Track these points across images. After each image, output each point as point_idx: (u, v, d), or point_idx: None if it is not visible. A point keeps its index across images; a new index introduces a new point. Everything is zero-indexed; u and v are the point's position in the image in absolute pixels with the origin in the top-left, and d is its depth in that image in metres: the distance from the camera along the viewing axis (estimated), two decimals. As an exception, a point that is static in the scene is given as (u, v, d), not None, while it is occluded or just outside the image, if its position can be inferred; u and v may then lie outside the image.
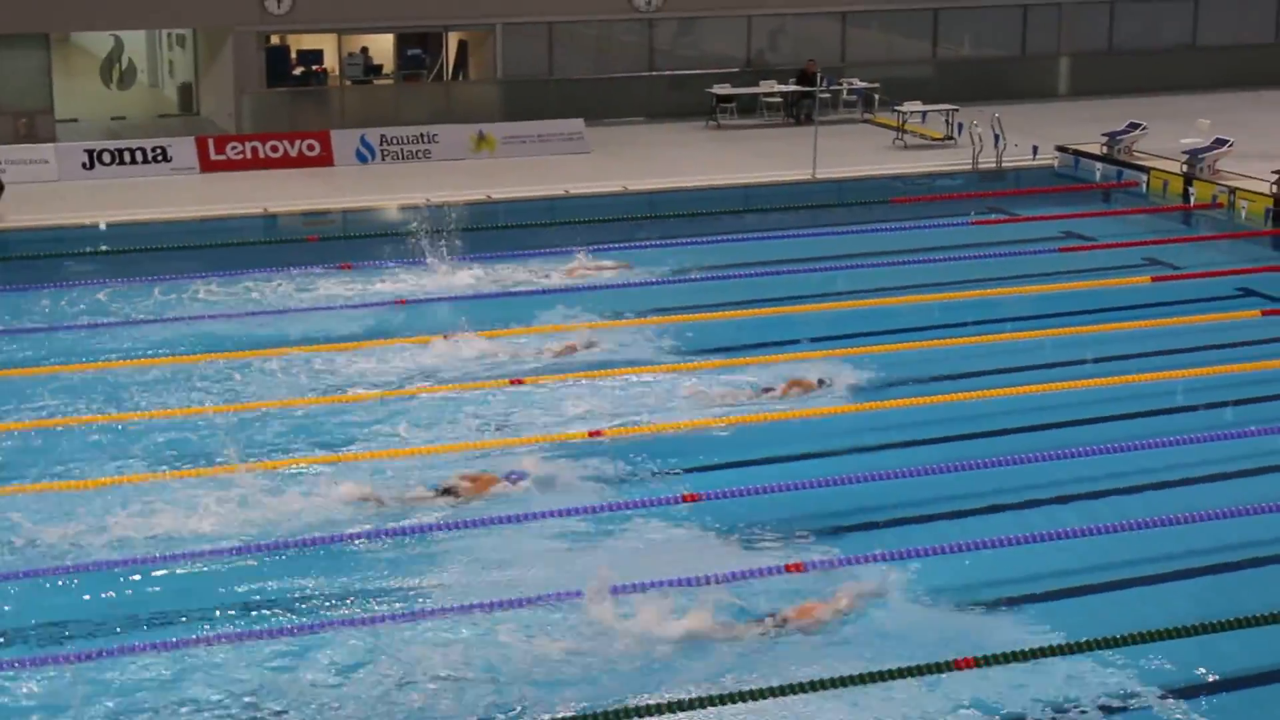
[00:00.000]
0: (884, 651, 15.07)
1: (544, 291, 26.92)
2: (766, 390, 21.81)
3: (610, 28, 41.30)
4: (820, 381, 21.95)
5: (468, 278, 27.48)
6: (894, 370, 22.90)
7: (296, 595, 16.43)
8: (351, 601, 16.29)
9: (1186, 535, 17.51)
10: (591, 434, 20.13)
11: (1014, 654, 14.92)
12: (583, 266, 27.98)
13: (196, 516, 17.85)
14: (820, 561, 16.75)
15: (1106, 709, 14.41)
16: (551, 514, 17.85)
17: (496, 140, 37.39)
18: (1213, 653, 15.24)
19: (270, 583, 16.69)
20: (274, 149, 36.28)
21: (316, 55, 39.80)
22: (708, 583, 16.00)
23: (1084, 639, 15.15)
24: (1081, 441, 20.01)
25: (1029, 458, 19.56)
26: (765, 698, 14.19)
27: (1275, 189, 32.06)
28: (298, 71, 39.78)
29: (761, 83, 41.46)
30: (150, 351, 23.73)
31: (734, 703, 14.13)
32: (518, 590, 16.14)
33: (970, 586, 16.51)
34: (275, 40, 39.45)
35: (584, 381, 22.24)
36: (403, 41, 40.32)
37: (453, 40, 40.31)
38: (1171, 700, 14.48)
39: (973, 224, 31.35)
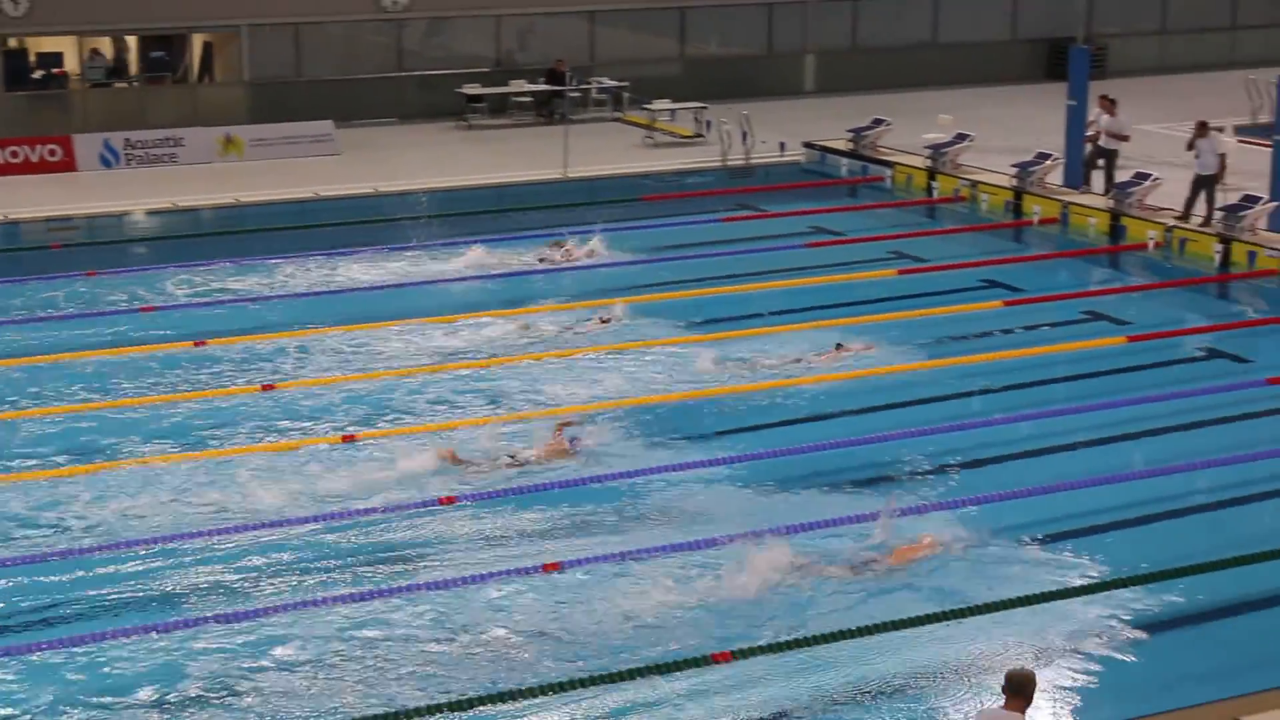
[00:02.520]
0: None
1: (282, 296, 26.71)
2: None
3: (358, 28, 40.90)
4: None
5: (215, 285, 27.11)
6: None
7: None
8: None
9: (927, 524, 17.84)
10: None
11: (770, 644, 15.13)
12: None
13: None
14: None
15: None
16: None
17: (245, 143, 36.79)
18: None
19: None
20: (14, 155, 35.27)
21: (56, 58, 38.74)
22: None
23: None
24: (830, 435, 20.35)
25: (772, 453, 19.81)
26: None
27: (1015, 182, 32.86)
28: (37, 75, 38.65)
29: (511, 82, 41.36)
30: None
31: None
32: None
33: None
34: (14, 43, 38.33)
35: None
36: (146, 43, 39.45)
37: (197, 42, 39.56)
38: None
39: (723, 221, 31.60)
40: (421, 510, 18.10)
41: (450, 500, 18.28)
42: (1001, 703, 11.95)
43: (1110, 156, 32.34)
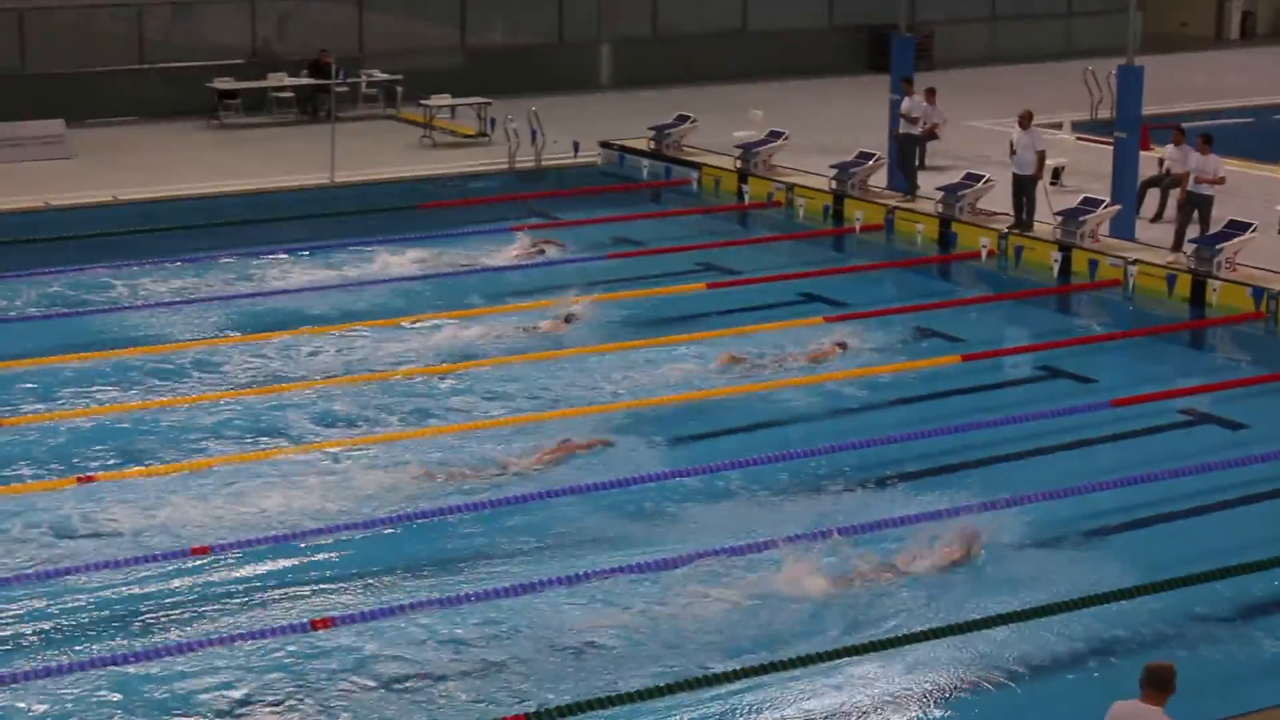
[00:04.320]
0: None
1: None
2: None
3: (92, 15, 40.13)
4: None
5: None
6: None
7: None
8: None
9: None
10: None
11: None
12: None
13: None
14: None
15: None
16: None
17: (-39, 146, 35.92)
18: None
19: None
20: None
21: None
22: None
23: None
24: (639, 467, 20.30)
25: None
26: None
27: (834, 185, 33.03)
28: None
29: (269, 76, 40.82)
30: None
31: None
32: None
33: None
34: None
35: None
36: None
37: (-95, 30, 38.57)
38: None
39: (512, 230, 31.36)
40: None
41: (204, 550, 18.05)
42: (1138, 697, 12.31)
43: (921, 144, 33.30)
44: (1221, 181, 28.36)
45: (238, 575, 17.81)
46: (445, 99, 39.62)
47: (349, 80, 40.92)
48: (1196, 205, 28.38)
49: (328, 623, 16.48)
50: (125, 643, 16.38)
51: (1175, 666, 12.36)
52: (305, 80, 40.75)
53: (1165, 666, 12.32)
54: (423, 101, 39.39)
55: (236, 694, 15.55)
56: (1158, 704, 12.20)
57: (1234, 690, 15.78)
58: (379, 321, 25.97)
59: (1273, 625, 17.12)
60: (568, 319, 25.93)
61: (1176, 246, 28.27)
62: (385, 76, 41.61)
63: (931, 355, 24.82)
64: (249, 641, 16.27)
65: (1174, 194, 29.73)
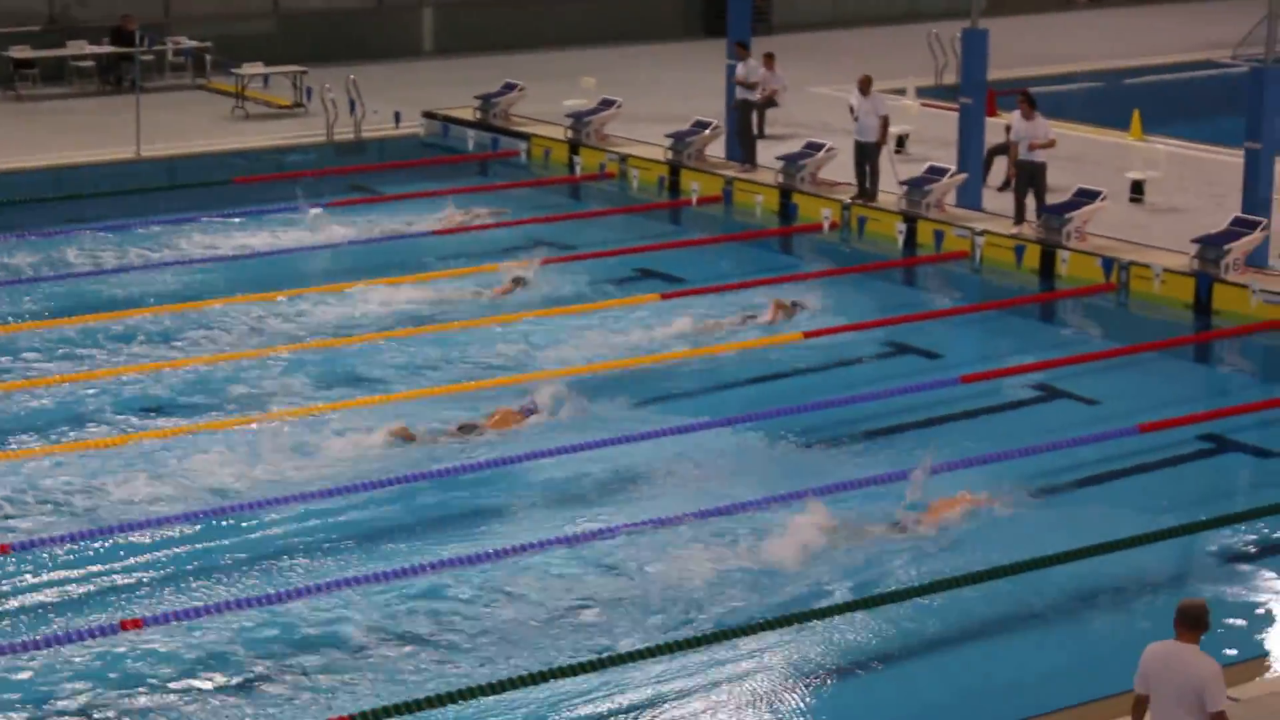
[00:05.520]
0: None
1: None
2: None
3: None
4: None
5: None
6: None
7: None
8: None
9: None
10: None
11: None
12: None
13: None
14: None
15: None
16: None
17: None
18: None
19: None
20: None
21: None
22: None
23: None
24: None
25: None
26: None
27: (669, 155, 33.15)
28: None
29: (69, 44, 40.33)
30: None
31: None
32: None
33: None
34: None
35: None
36: None
37: None
38: None
39: (330, 206, 31.18)
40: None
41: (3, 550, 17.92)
42: (1171, 638, 12.69)
43: (760, 112, 33.67)
44: (1051, 144, 28.54)
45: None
46: (258, 67, 39.30)
47: (154, 48, 40.50)
48: (1030, 174, 28.63)
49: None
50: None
51: (1207, 604, 12.72)
52: (107, 48, 40.24)
53: (1198, 604, 12.67)
54: (234, 70, 39.03)
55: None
56: (1192, 642, 12.56)
57: (1072, 680, 16.15)
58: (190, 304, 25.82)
59: (1105, 614, 17.52)
60: (516, 281, 26.75)
61: (1018, 219, 28.58)
62: (193, 44, 41.21)
63: (774, 333, 24.98)
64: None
65: (1023, 162, 30.11)
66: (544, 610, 17.11)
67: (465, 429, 21.16)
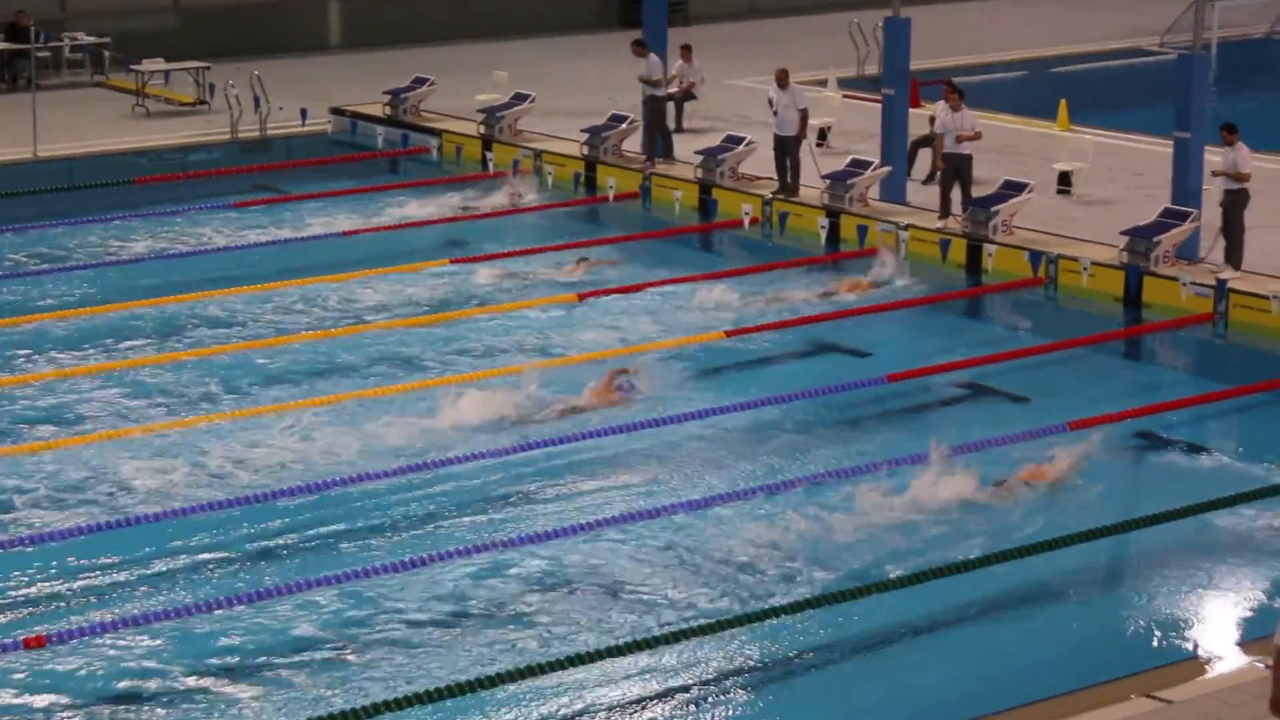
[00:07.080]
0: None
1: None
2: None
3: None
4: None
5: None
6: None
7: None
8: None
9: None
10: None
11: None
12: None
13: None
14: None
15: None
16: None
17: None
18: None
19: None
20: None
21: None
22: None
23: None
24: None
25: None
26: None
27: (586, 150, 33.16)
28: None
29: (-38, 40, 40.16)
30: None
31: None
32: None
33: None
34: None
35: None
36: None
37: None
38: None
39: (236, 206, 31.07)
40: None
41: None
42: None
43: (677, 105, 34.05)
44: (978, 136, 28.66)
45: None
46: (159, 63, 39.14)
47: (50, 44, 40.35)
48: (957, 166, 28.68)
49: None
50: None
51: None
52: (1, 45, 40.02)
53: None
54: (134, 67, 38.87)
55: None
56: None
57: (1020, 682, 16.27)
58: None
59: (1054, 615, 17.73)
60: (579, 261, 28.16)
61: (943, 214, 28.69)
62: (91, 39, 41.04)
63: (695, 332, 25.00)
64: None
65: (949, 155, 30.24)
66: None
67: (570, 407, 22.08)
